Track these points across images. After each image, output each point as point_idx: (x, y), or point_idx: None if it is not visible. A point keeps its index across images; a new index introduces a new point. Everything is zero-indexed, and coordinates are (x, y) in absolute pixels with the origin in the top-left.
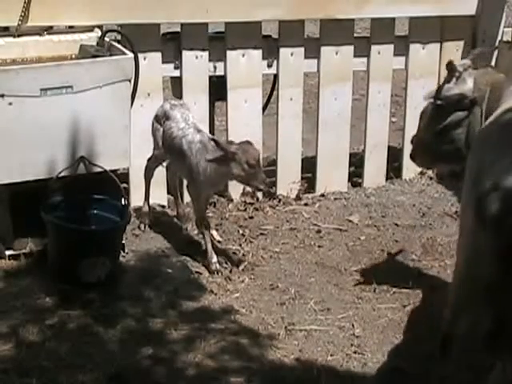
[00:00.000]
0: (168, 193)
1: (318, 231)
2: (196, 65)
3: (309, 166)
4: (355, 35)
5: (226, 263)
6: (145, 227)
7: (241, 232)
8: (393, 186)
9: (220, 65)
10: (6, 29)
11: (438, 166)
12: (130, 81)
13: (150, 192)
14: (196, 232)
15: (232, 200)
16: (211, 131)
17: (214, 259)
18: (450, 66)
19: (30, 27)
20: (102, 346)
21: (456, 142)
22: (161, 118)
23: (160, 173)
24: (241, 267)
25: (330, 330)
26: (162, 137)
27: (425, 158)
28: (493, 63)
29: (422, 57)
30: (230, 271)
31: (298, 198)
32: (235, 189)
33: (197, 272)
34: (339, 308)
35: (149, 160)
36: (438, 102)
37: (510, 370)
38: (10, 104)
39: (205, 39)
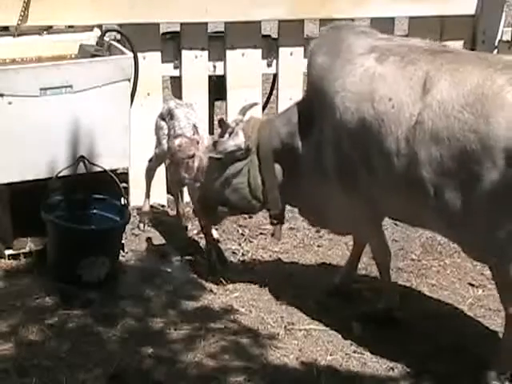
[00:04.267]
0: (168, 192)
1: (318, 231)
2: (195, 64)
3: None
4: None
5: (226, 262)
6: (144, 226)
7: (240, 231)
8: None
9: (220, 64)
10: (6, 29)
11: (231, 215)
12: (129, 80)
13: (150, 192)
14: (196, 232)
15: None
16: (211, 131)
17: (219, 258)
18: (222, 122)
19: (29, 27)
20: (102, 345)
21: (240, 191)
22: (165, 116)
23: (160, 172)
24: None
25: (329, 329)
26: (167, 135)
27: (216, 213)
28: None
29: None
30: (229, 271)
31: None
32: None
33: (197, 272)
34: (339, 308)
35: (150, 160)
36: (217, 156)
37: None
38: (10, 103)
39: (204, 39)
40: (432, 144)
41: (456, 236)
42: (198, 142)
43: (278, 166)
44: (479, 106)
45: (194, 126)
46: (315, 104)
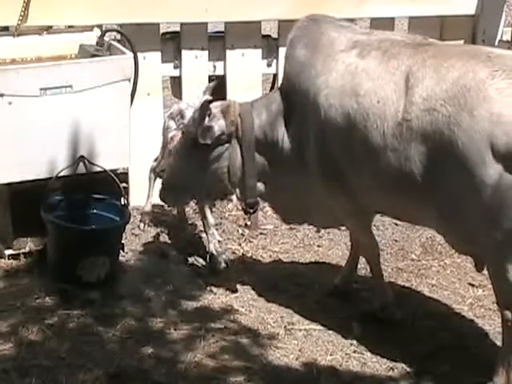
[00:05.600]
0: None
1: (318, 230)
2: (195, 64)
3: None
4: None
5: (227, 262)
6: (144, 226)
7: (240, 232)
8: None
9: (219, 64)
10: (6, 29)
11: (201, 200)
12: (129, 80)
13: (153, 192)
14: (196, 232)
15: (231, 200)
16: None
17: (219, 258)
18: (206, 104)
19: (29, 27)
20: (102, 345)
21: (218, 175)
22: (175, 116)
23: None
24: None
25: (329, 329)
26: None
27: (184, 196)
28: None
29: None
30: (229, 271)
31: None
32: None
33: (197, 272)
34: (339, 308)
35: (155, 160)
36: (207, 141)
37: None
38: (10, 104)
39: (204, 39)
40: (420, 140)
41: (450, 232)
42: None
43: (256, 155)
44: (462, 99)
45: None
46: (294, 98)
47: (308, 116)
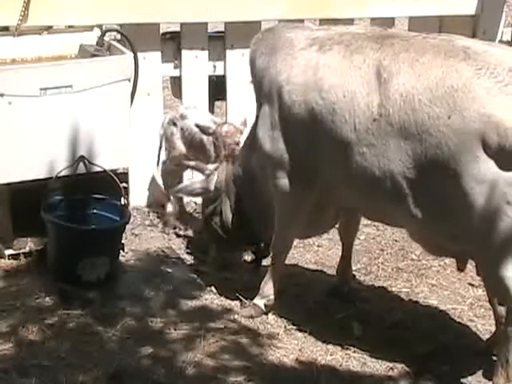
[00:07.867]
0: None
1: None
2: (195, 64)
3: None
4: None
5: (226, 262)
6: (171, 229)
7: None
8: None
9: (219, 64)
10: (6, 28)
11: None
12: (129, 80)
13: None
14: (196, 231)
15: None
16: None
17: (219, 258)
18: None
19: (29, 27)
20: (102, 345)
21: (215, 231)
22: (176, 120)
23: None
24: None
25: (329, 329)
26: (181, 137)
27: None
28: None
29: None
30: (229, 271)
31: None
32: None
33: (196, 271)
34: (339, 308)
35: (164, 163)
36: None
37: None
38: (10, 103)
39: (204, 39)
40: (402, 138)
41: (431, 231)
42: (241, 132)
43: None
44: (450, 100)
45: (213, 121)
46: (265, 106)
47: (274, 117)
